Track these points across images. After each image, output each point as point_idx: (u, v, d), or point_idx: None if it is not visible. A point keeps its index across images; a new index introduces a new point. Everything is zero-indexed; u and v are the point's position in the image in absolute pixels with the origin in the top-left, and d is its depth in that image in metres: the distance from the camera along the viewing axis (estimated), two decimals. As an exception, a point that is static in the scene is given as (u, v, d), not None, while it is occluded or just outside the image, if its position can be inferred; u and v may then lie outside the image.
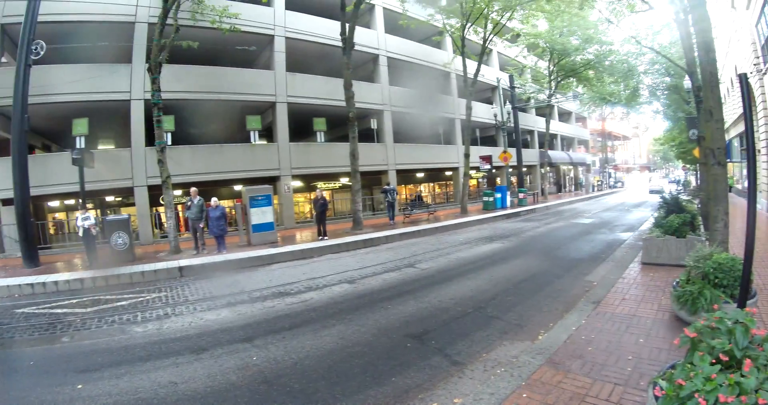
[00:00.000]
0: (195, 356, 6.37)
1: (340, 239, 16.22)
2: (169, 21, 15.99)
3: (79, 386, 5.93)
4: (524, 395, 4.47)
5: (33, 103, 16.45)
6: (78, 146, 18.95)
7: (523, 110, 38.16)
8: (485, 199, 28.19)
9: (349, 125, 19.37)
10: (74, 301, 10.78)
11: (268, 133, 24.52)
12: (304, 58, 25.01)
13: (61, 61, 19.57)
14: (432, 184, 38.07)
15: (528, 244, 14.28)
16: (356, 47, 19.48)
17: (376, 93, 27.87)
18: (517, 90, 35.14)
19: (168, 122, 19.11)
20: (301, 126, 24.86)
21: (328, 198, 18.25)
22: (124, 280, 12.35)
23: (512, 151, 32.74)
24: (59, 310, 10.08)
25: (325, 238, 16.61)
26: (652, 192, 39.46)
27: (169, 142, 19.66)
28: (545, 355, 5.41)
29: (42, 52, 16.37)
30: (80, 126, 19.95)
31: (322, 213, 17.20)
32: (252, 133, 23.55)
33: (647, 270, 9.64)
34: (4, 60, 19.82)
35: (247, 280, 11.25)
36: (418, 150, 31.18)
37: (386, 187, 23.55)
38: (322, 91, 23.96)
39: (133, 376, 6.02)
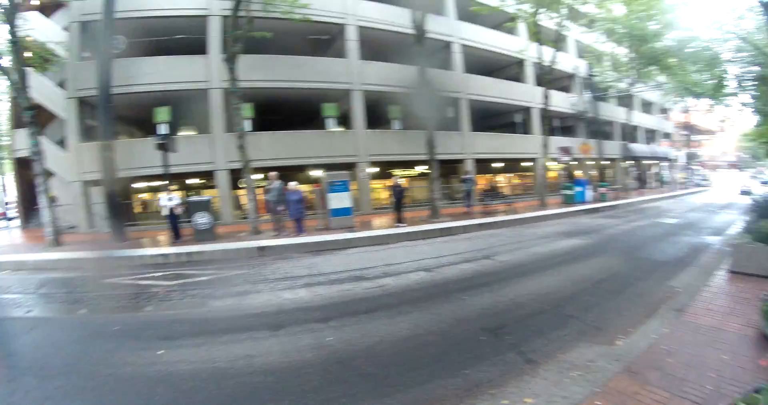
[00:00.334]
0: (272, 332, 6.55)
1: (417, 227, 16.05)
2: (241, 13, 16.38)
3: (160, 352, 6.32)
4: (597, 403, 4.29)
5: (117, 93, 17.86)
6: (161, 132, 19.60)
7: (603, 100, 36.29)
8: (565, 192, 27.08)
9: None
10: (158, 274, 11.35)
11: (344, 120, 24.52)
12: (377, 46, 24.97)
13: (142, 55, 20.75)
14: (509, 175, 37.10)
15: (608, 243, 13.63)
16: (428, 35, 19.24)
17: (450, 80, 27.41)
18: (595, 78, 33.58)
19: (246, 110, 19.55)
20: (377, 113, 24.78)
21: (405, 185, 18.00)
22: (206, 257, 12.90)
23: (593, 142, 31.35)
24: (144, 282, 10.69)
25: (403, 225, 16.43)
26: (743, 193, 36.96)
27: (249, 129, 19.93)
28: (623, 362, 5.14)
29: (122, 47, 18.55)
30: (162, 114, 20.91)
31: (399, 200, 17.04)
32: (329, 120, 23.64)
33: (735, 279, 8.85)
34: (87, 55, 21.23)
35: (325, 262, 11.38)
36: (496, 139, 30.49)
37: (465, 176, 23.16)
38: (396, 78, 23.75)
39: (212, 347, 6.28)
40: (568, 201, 26.06)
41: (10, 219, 32.75)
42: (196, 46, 20.85)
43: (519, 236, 15.05)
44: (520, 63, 31.97)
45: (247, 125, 20.10)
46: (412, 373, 5.06)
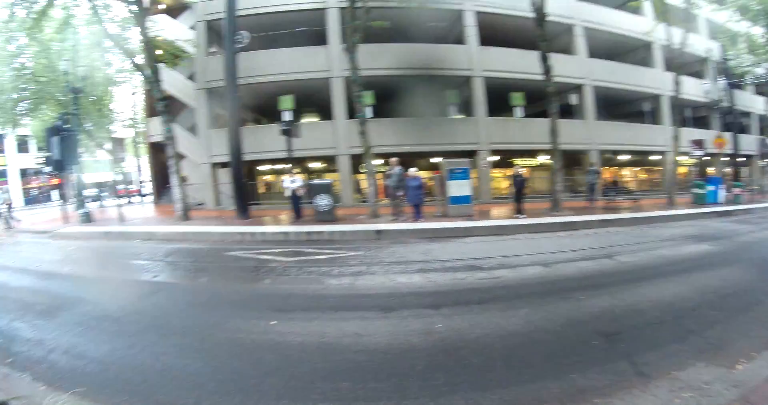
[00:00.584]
0: (382, 314, 6.62)
1: (537, 219, 15.52)
2: (358, 4, 16.57)
3: (273, 322, 6.63)
4: (706, 432, 3.87)
5: (243, 83, 19.50)
6: (285, 119, 20.46)
7: (739, 87, 32.23)
8: (695, 191, 24.32)
9: (547, 100, 18.40)
10: (277, 250, 11.95)
11: (465, 108, 24.20)
12: (497, 32, 24.24)
13: (266, 47, 22.13)
14: (636, 169, 34.84)
15: (741, 252, 12.12)
16: (548, 17, 18.31)
17: (573, 66, 25.86)
18: (730, 62, 30.07)
19: (367, 97, 19.80)
20: (499, 101, 24.22)
21: (526, 175, 17.44)
22: (324, 237, 13.35)
23: (727, 136, 27.78)
24: (264, 257, 11.26)
25: (522, 216, 15.97)
26: None
27: (371, 115, 20.24)
28: (741, 389, 4.57)
29: (246, 42, 19.74)
30: (286, 101, 21.87)
31: (519, 190, 16.54)
32: (449, 107, 23.45)
33: None
34: (213, 50, 23.33)
35: (441, 249, 11.29)
36: (621, 129, 28.33)
37: (590, 168, 22.11)
38: (518, 64, 23.05)
39: (322, 322, 6.49)
40: (699, 201, 23.45)
41: (143, 195, 35.94)
42: (317, 38, 21.43)
43: (643, 236, 13.95)
44: (647, 46, 29.28)
45: (368, 112, 20.36)
46: (516, 370, 4.91)
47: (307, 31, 22.85)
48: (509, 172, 20.34)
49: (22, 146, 47.54)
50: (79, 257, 13.53)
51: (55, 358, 6.28)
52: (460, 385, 4.58)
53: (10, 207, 21.41)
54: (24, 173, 48.25)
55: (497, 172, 26.19)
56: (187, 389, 5.07)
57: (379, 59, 21.24)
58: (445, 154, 20.94)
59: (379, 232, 13.56)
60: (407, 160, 19.71)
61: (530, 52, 20.65)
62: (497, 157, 25.16)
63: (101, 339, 6.81)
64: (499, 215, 17.26)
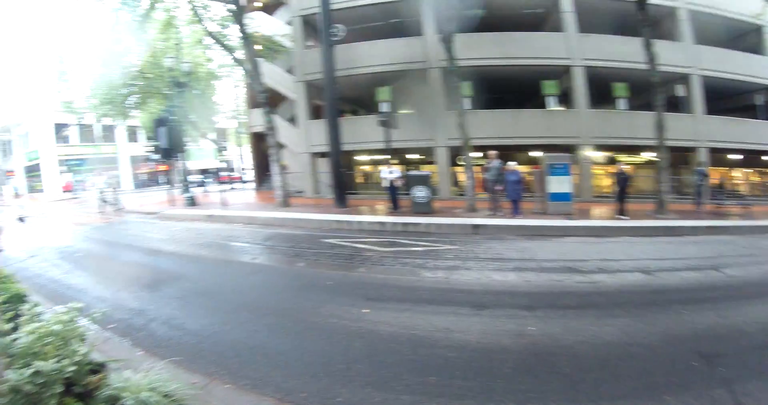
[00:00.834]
0: (475, 311, 6.45)
1: (640, 222, 14.22)
2: None
3: (365, 311, 6.65)
4: None
5: (341, 75, 19.70)
6: (383, 110, 20.45)
7: None
8: None
9: (653, 92, 17.09)
10: (374, 240, 11.99)
11: (565, 99, 23.12)
12: (596, 17, 22.60)
13: (362, 39, 22.19)
14: (747, 171, 31.71)
15: None
16: (650, 0, 16.72)
17: (678, 53, 22.77)
18: None
19: (465, 88, 19.36)
20: (600, 92, 22.76)
21: (629, 173, 16.35)
22: (420, 229, 13.24)
23: None
24: (360, 245, 11.37)
25: (624, 217, 14.95)
26: None
27: (469, 107, 19.83)
28: None
29: (342, 35, 19.78)
30: (383, 93, 21.89)
31: (623, 189, 15.40)
32: (548, 99, 22.46)
33: None
34: (310, 43, 23.71)
35: (538, 248, 10.82)
36: (732, 125, 24.58)
37: (697, 168, 20.46)
38: (620, 52, 21.37)
39: (414, 314, 6.42)
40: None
41: (245, 182, 37.72)
42: (412, 28, 21.21)
43: (755, 248, 12.17)
44: (757, 30, 25.88)
45: (466, 103, 19.94)
46: (608, 384, 4.52)
47: (403, 21, 22.65)
48: (612, 169, 19.19)
49: (132, 136, 51.23)
50: (183, 237, 14.23)
51: (154, 327, 6.56)
52: (547, 393, 4.32)
53: (114, 190, 22.81)
54: (133, 160, 51.88)
55: (598, 169, 24.75)
56: (275, 367, 5.16)
57: (476, 49, 20.64)
58: (545, 148, 20.16)
59: (476, 226, 13.23)
60: (506, 153, 18.98)
61: (632, 38, 19.25)
62: (599, 153, 23.82)
63: (199, 313, 7.11)
64: (600, 215, 16.19)
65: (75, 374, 3.32)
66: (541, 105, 22.60)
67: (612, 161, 23.10)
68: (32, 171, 49.90)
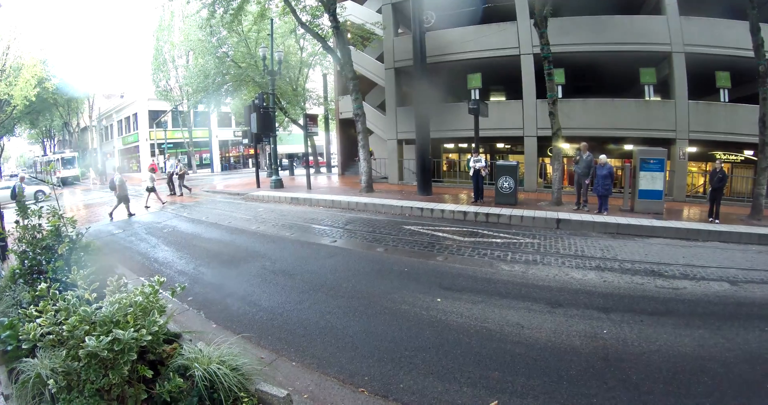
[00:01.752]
0: (549, 309, 6.28)
1: (732, 227, 12.85)
2: None
3: (438, 299, 6.65)
4: None
5: (431, 62, 19.25)
6: (473, 98, 20.16)
7: None
8: None
9: (759, 82, 15.74)
10: (454, 229, 11.88)
11: (662, 89, 21.80)
12: None
13: (453, 26, 21.47)
14: None
15: None
16: None
17: None
18: None
19: (558, 75, 18.71)
20: (701, 81, 21.24)
21: (726, 172, 15.16)
22: (503, 221, 12.94)
23: None
24: (440, 234, 11.27)
25: (716, 221, 13.87)
26: None
27: (560, 95, 19.13)
28: None
29: (432, 21, 20.04)
30: (474, 80, 21.44)
31: (718, 189, 14.17)
32: (646, 88, 21.25)
33: None
34: (400, 31, 23.58)
35: (621, 247, 10.23)
36: None
37: None
38: (724, 37, 19.80)
39: (487, 307, 6.35)
40: None
41: (330, 167, 38.43)
42: (504, 14, 20.56)
43: None
44: None
45: (559, 91, 19.27)
46: (677, 399, 4.19)
47: (494, 6, 22.01)
48: (707, 166, 17.83)
49: (223, 121, 54.30)
50: (266, 218, 14.73)
51: (230, 302, 6.85)
52: (612, 401, 4.12)
53: (181, 177, 23.42)
54: (224, 144, 55.36)
55: (693, 166, 23.28)
56: (342, 349, 5.28)
57: (570, 34, 19.66)
58: (638, 141, 19.07)
59: (559, 221, 12.72)
60: (596, 145, 18.15)
61: (738, 22, 17.72)
62: (693, 148, 22.32)
63: (274, 291, 7.36)
64: (691, 216, 15.05)
65: (150, 343, 3.50)
66: (637, 94, 21.38)
67: (708, 158, 21.60)
68: (128, 153, 55.21)
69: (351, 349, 5.19)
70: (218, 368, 3.63)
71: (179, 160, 25.03)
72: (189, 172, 22.84)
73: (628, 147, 20.27)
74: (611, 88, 21.64)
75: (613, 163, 18.36)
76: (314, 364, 4.91)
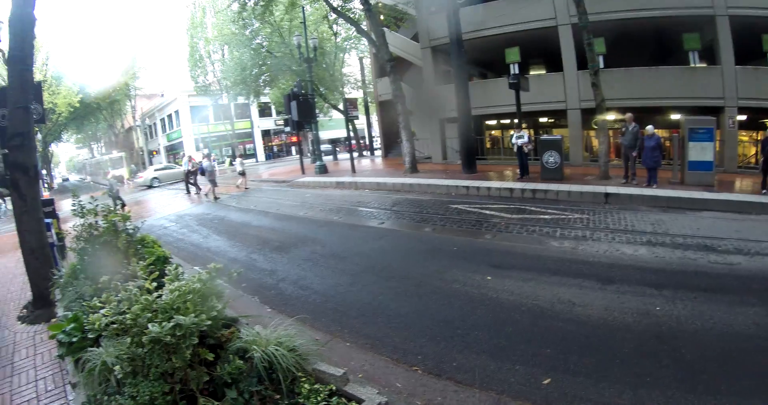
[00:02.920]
0: (600, 285, 6.15)
1: None
2: None
3: (488, 278, 6.61)
4: None
5: (467, 38, 19.00)
6: (512, 72, 19.81)
7: None
8: None
9: None
10: (501, 206, 11.75)
11: (707, 54, 20.88)
12: None
13: (487, 0, 20.94)
14: None
15: None
16: None
17: None
18: None
19: (599, 45, 18.11)
20: (747, 45, 20.24)
21: None
22: (550, 196, 12.71)
23: None
24: (487, 212, 11.18)
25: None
26: None
27: (601, 65, 18.60)
28: None
29: None
30: (512, 54, 20.97)
31: None
32: (690, 54, 20.42)
33: None
34: (433, 9, 22.68)
35: (672, 221, 9.81)
36: None
37: None
38: None
39: (537, 284, 6.28)
40: None
41: (373, 150, 38.95)
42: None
43: None
44: None
45: (600, 62, 18.74)
46: (731, 379, 4.00)
47: None
48: (758, 135, 16.96)
49: (264, 111, 55.37)
50: (313, 203, 14.94)
51: (283, 286, 7.03)
52: (665, 380, 4.00)
53: (194, 174, 23.08)
54: (266, 134, 56.36)
55: (743, 135, 22.22)
56: (396, 329, 5.35)
57: (608, 1, 18.89)
58: (684, 110, 18.04)
59: (607, 195, 12.40)
60: (642, 115, 17.43)
61: None
62: (743, 117, 21.27)
63: (326, 275, 7.50)
64: (743, 188, 14.39)
65: (210, 328, 3.64)
66: (681, 61, 20.62)
67: (759, 127, 20.61)
68: (172, 149, 56.75)
69: (404, 329, 5.25)
70: (276, 349, 3.73)
71: (192, 158, 25.01)
72: (216, 169, 23.02)
73: (674, 117, 19.51)
74: (654, 56, 20.92)
75: (660, 133, 17.72)
76: (368, 344, 5.00)
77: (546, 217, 10.25)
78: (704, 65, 19.33)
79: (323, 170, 22.73)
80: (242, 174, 21.78)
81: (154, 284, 3.75)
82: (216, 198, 18.69)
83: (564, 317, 5.22)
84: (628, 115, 14.03)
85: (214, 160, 22.39)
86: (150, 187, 30.83)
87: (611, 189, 12.52)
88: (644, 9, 17.96)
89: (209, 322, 3.49)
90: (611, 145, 16.93)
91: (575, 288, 6.04)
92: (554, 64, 20.91)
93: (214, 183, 19.15)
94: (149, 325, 3.21)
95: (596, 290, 5.94)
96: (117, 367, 3.40)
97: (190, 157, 24.75)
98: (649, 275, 6.39)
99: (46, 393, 4.63)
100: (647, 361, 4.28)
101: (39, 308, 7.12)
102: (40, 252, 7.17)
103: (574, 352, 4.47)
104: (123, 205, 17.84)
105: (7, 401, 4.62)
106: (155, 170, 34.32)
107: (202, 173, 20.13)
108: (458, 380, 4.21)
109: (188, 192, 22.55)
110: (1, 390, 4.88)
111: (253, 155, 52.12)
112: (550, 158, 14.89)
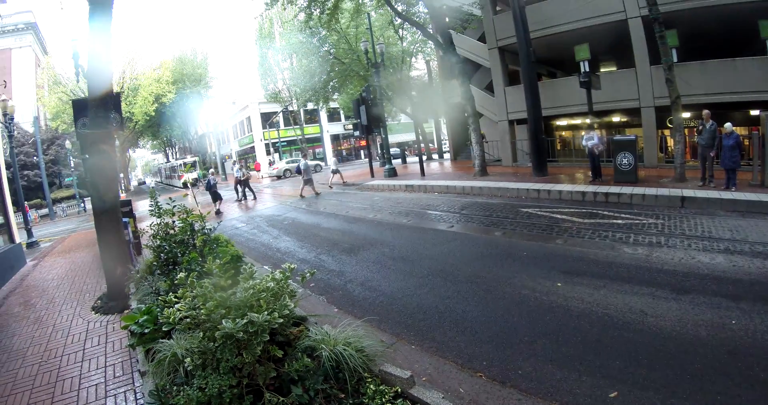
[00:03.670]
0: (674, 295, 5.85)
1: None
2: None
3: (558, 284, 6.47)
4: None
5: (534, 37, 18.68)
6: (582, 70, 19.33)
7: None
8: None
9: None
10: (573, 210, 11.47)
11: None
12: None
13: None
14: None
15: None
16: None
17: None
18: None
19: (671, 37, 17.25)
20: None
21: None
22: (623, 200, 12.32)
23: None
24: (558, 216, 10.94)
25: None
26: None
27: (675, 59, 17.83)
28: None
29: None
30: (582, 51, 20.33)
31: None
32: None
33: None
34: (498, 8, 22.78)
35: (753, 228, 9.13)
36: None
37: None
38: None
39: (609, 292, 6.08)
40: None
41: (442, 153, 39.23)
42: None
43: None
44: None
45: (674, 55, 17.98)
46: None
47: None
48: None
49: (333, 116, 57.09)
50: (382, 206, 15.09)
51: (350, 287, 7.17)
52: (737, 400, 3.75)
53: (244, 182, 22.96)
54: (335, 138, 58.28)
55: None
56: (461, 333, 5.32)
57: None
58: (765, 105, 17.38)
59: (683, 199, 11.82)
60: (719, 112, 16.34)
61: None
62: None
63: (393, 277, 7.57)
64: None
65: (281, 326, 3.78)
66: (760, 51, 19.45)
67: None
68: (244, 154, 59.66)
69: (470, 334, 5.21)
70: (344, 349, 3.83)
71: (242, 166, 25.67)
72: (251, 175, 23.44)
73: (754, 112, 18.48)
74: (729, 47, 19.84)
75: (739, 131, 16.78)
76: (433, 347, 4.99)
77: (619, 221, 9.90)
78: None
79: (392, 173, 22.94)
80: (336, 172, 22.92)
81: (229, 282, 3.89)
82: (317, 193, 20.34)
83: (635, 328, 5.03)
84: (706, 112, 13.34)
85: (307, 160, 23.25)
86: (279, 177, 38.67)
87: (687, 192, 11.96)
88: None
89: (281, 320, 3.62)
90: (687, 144, 16.16)
91: (648, 297, 5.80)
92: (626, 60, 20.19)
93: (311, 181, 20.16)
94: (223, 321, 3.35)
95: (670, 300, 5.67)
96: (188, 359, 3.56)
97: (241, 165, 25.54)
98: (726, 286, 6.02)
99: (114, 378, 4.95)
100: (720, 378, 4.05)
101: (113, 300, 7.65)
102: (116, 248, 7.64)
103: (644, 365, 4.30)
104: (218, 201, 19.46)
105: (75, 384, 4.94)
106: (286, 162, 41.71)
107: (299, 172, 21.14)
108: (522, 389, 4.14)
109: (238, 199, 22.97)
110: (71, 373, 5.23)
111: (323, 159, 53.16)
112: (624, 160, 14.40)
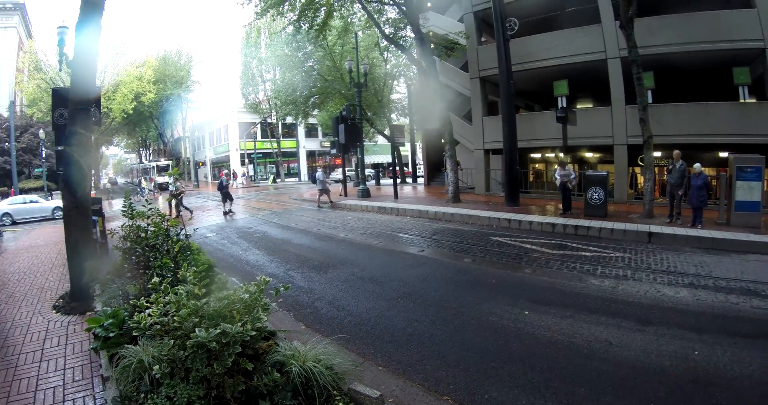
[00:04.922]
0: (639, 326, 6.05)
1: None
2: None
3: (526, 312, 6.59)
4: None
5: (516, 70, 18.99)
6: (560, 105, 19.76)
7: None
8: None
9: None
10: (542, 241, 11.66)
11: (757, 89, 20.18)
12: None
13: (536, 32, 21.09)
14: None
15: None
16: None
17: None
18: None
19: (648, 79, 17.81)
20: None
21: None
22: (592, 233, 12.56)
23: None
24: (528, 246, 11.10)
25: None
26: None
27: (650, 100, 18.33)
28: None
29: (516, 28, 20.02)
30: (560, 87, 20.89)
31: None
32: (740, 89, 19.76)
33: None
34: (483, 39, 23.41)
35: (716, 264, 9.53)
36: None
37: None
38: None
39: (575, 322, 6.21)
40: None
41: (416, 177, 38.95)
42: (588, 17, 20.00)
43: None
44: None
45: (649, 96, 18.46)
46: None
47: (578, 10, 21.31)
48: None
49: (310, 132, 57.36)
50: (354, 226, 15.10)
51: (318, 305, 7.20)
52: None
53: (177, 196, 20.78)
54: (311, 154, 58.32)
55: None
56: (428, 357, 5.35)
57: (657, 34, 18.41)
58: (733, 148, 17.33)
59: (651, 234, 12.15)
60: (689, 153, 16.84)
61: None
62: None
63: (362, 297, 7.58)
64: None
65: (252, 339, 3.74)
66: (730, 97, 20.11)
67: None
68: (218, 163, 59.38)
69: (437, 358, 5.25)
70: (314, 366, 3.82)
71: (177, 179, 23.08)
72: (185, 190, 21.67)
73: (723, 154, 19.06)
74: (703, 90, 20.47)
75: (708, 172, 17.27)
76: (400, 369, 5.00)
77: (587, 254, 10.11)
78: (754, 100, 18.80)
79: (366, 194, 23.00)
80: (324, 191, 21.97)
81: (203, 290, 3.87)
82: (331, 201, 21.42)
83: (600, 357, 5.14)
84: (676, 152, 13.77)
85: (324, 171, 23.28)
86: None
87: (655, 228, 12.26)
88: (694, 42, 17.58)
89: (253, 333, 3.60)
90: (657, 182, 16.57)
91: (613, 328, 5.95)
92: (602, 97, 20.81)
93: (327, 191, 21.10)
94: (196, 330, 3.33)
95: (635, 331, 5.83)
96: (156, 367, 3.50)
97: (176, 178, 23.02)
98: (689, 318, 6.25)
99: (74, 382, 4.80)
100: (683, 405, 4.20)
101: (76, 300, 7.45)
102: (84, 247, 7.46)
103: (608, 393, 4.39)
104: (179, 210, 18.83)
105: (33, 385, 4.79)
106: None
107: (313, 181, 21.21)
108: (489, 413, 4.17)
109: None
110: (28, 373, 5.07)
111: (297, 174, 52.99)
112: (595, 194, 14.71)
